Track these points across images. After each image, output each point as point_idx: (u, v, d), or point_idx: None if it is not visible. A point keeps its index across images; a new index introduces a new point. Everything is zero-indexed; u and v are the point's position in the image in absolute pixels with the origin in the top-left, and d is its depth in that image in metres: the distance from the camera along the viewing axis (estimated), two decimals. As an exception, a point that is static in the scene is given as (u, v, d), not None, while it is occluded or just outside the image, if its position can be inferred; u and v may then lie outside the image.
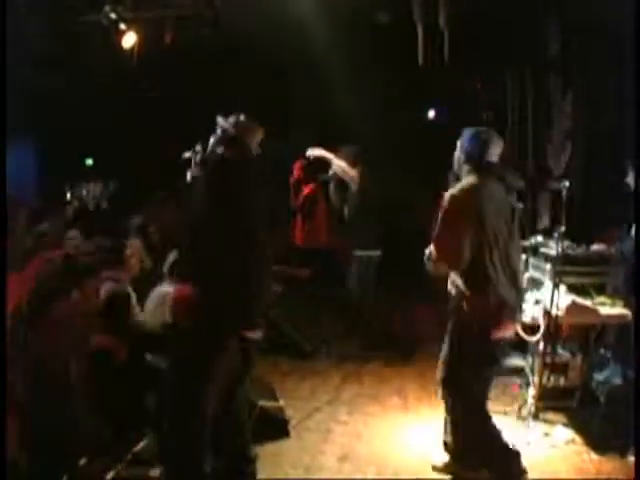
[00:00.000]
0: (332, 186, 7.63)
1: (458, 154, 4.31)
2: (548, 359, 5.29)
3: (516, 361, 6.07)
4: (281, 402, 5.32)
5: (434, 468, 4.53)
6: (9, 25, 4.38)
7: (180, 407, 3.98)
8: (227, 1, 7.63)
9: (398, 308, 7.98)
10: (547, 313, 5.10)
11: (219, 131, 4.17)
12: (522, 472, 4.23)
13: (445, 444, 4.54)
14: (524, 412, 5.32)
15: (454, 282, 4.22)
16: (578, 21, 7.41)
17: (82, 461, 4.24)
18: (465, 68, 8.77)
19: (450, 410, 4.36)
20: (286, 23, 7.54)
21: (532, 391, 5.35)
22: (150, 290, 5.45)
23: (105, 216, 7.45)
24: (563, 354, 5.55)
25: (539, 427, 5.16)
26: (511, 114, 9.04)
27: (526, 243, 5.97)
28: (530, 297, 5.41)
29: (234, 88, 8.51)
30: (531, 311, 5.26)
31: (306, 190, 8.31)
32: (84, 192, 7.42)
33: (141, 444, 4.76)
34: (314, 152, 7.09)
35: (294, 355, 6.90)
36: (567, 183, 5.40)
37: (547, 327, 5.11)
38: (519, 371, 5.90)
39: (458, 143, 4.32)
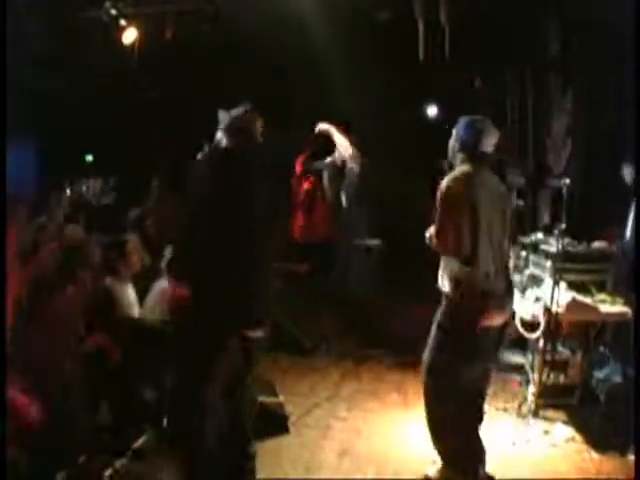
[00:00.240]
0: (326, 175, 7.60)
1: (453, 142, 4.30)
2: (548, 356, 5.29)
3: (516, 358, 6.09)
4: (281, 398, 5.31)
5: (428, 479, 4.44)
6: (9, 23, 4.35)
7: (181, 405, 3.97)
8: (228, -3, 7.64)
9: (398, 304, 7.97)
10: (547, 310, 5.09)
11: (224, 122, 4.11)
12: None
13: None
14: (524, 409, 5.31)
15: (444, 269, 4.20)
16: (578, 21, 7.41)
17: (81, 459, 4.25)
18: (465, 66, 8.76)
19: (424, 397, 4.31)
20: (286, 20, 7.52)
21: (532, 388, 5.34)
22: (149, 286, 5.45)
23: (105, 212, 7.44)
24: (563, 351, 5.54)
25: (539, 425, 5.15)
26: (511, 112, 9.03)
27: (526, 240, 5.98)
28: (530, 294, 5.42)
29: (234, 85, 8.49)
30: (531, 308, 5.26)
31: (306, 185, 8.30)
32: (84, 188, 7.40)
33: (140, 440, 4.77)
34: (322, 126, 7.21)
35: (294, 351, 6.90)
36: (567, 180, 5.40)
37: (547, 324, 5.10)
38: (519, 368, 5.90)
39: (453, 131, 4.32)
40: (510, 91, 9.03)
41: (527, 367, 5.61)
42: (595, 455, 4.74)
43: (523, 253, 5.88)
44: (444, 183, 4.11)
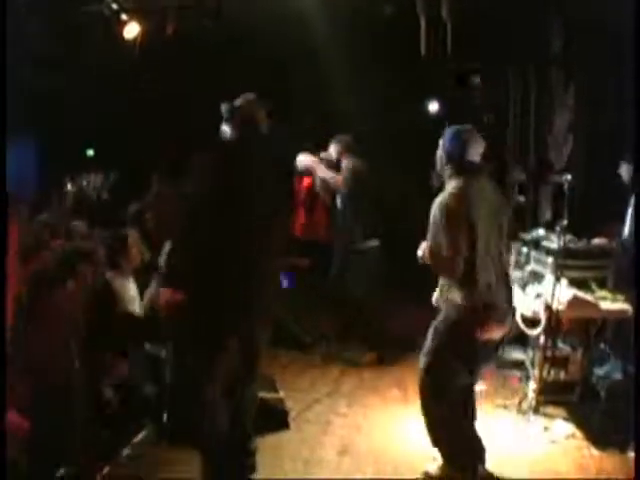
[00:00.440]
0: (317, 178, 7.51)
1: (440, 153, 4.24)
2: (549, 353, 5.28)
3: (516, 354, 6.09)
4: (281, 394, 5.32)
5: (427, 475, 4.42)
6: (9, 23, 4.33)
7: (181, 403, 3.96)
8: (230, -8, 7.61)
9: (398, 305, 7.94)
10: (548, 307, 5.08)
11: (229, 112, 4.01)
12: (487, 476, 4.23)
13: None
14: (524, 406, 5.31)
15: (443, 287, 4.18)
16: (578, 21, 7.42)
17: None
18: (467, 62, 8.74)
19: (421, 396, 4.30)
20: (287, 14, 7.51)
21: (532, 385, 5.34)
22: (149, 280, 5.45)
23: (106, 207, 7.43)
24: (564, 348, 5.55)
25: (539, 421, 5.15)
26: (513, 107, 9.02)
27: (527, 236, 5.97)
28: (531, 291, 5.41)
29: (236, 80, 8.48)
30: (532, 305, 5.25)
31: (306, 182, 8.26)
32: (84, 183, 7.39)
33: (140, 435, 4.78)
34: (305, 162, 7.01)
35: (293, 347, 6.89)
36: (569, 176, 5.40)
37: (548, 321, 5.10)
38: (519, 365, 5.91)
39: (440, 142, 4.29)
40: (512, 87, 9.02)
41: (527, 363, 5.62)
42: (595, 452, 4.74)
43: (524, 249, 5.87)
44: (439, 200, 4.05)
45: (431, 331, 4.21)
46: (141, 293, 5.39)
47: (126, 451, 4.57)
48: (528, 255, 5.81)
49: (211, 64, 9.15)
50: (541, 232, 5.93)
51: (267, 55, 9.07)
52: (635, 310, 4.98)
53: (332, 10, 7.77)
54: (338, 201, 7.01)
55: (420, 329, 4.51)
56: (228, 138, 4.05)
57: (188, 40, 8.41)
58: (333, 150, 7.02)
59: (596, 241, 5.71)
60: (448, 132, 4.24)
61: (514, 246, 5.97)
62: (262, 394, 4.91)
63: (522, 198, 8.68)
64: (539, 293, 5.28)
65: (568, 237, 5.38)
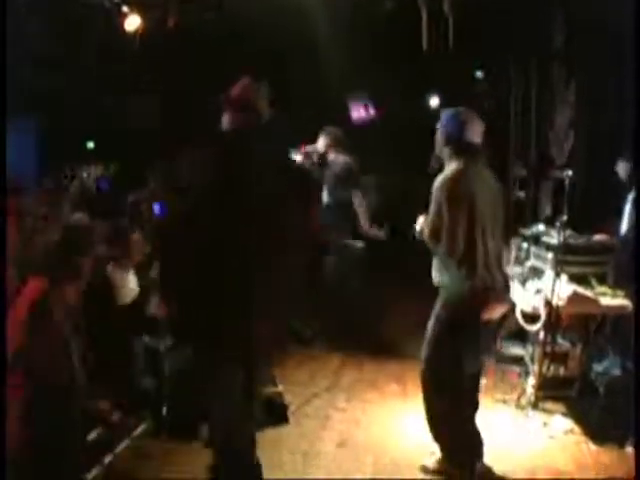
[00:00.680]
0: None
1: (439, 136, 4.25)
2: (548, 348, 5.29)
3: (516, 350, 6.08)
4: (280, 387, 5.32)
5: (425, 469, 4.42)
6: (9, 23, 4.32)
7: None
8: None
9: (395, 302, 7.92)
10: (548, 302, 5.08)
11: (225, 100, 3.76)
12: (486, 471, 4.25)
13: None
14: (523, 401, 5.32)
15: (439, 264, 4.20)
16: (579, 21, 7.42)
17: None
18: (468, 57, 8.73)
19: (423, 390, 4.31)
20: (287, 7, 7.49)
21: (531, 380, 5.35)
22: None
23: (106, 199, 7.42)
24: (563, 344, 5.54)
25: (538, 416, 5.15)
26: (514, 103, 9.02)
27: (527, 232, 5.97)
28: (531, 286, 5.41)
29: (237, 73, 8.44)
30: (532, 300, 5.25)
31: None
32: (84, 175, 7.39)
33: (140, 428, 4.78)
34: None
35: (292, 340, 6.88)
36: (570, 172, 5.39)
37: (548, 316, 5.10)
38: (519, 360, 5.90)
39: (438, 125, 4.28)
40: (514, 83, 9.01)
41: (527, 359, 5.62)
42: (593, 447, 4.74)
43: (524, 245, 5.87)
44: (439, 181, 4.07)
45: (432, 320, 4.23)
46: (143, 287, 5.37)
47: (125, 444, 4.58)
48: (528, 251, 5.80)
49: (213, 57, 9.14)
50: (541, 228, 5.92)
51: (268, 46, 9.04)
52: (635, 306, 4.98)
53: (333, 4, 7.76)
54: (324, 196, 6.93)
55: (419, 326, 4.51)
56: (225, 128, 3.79)
57: (189, 33, 8.39)
58: (321, 143, 6.97)
59: (596, 237, 5.71)
60: (446, 114, 4.25)
61: (514, 242, 5.98)
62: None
63: (522, 193, 8.68)
64: (539, 289, 5.28)
65: (568, 233, 5.37)
